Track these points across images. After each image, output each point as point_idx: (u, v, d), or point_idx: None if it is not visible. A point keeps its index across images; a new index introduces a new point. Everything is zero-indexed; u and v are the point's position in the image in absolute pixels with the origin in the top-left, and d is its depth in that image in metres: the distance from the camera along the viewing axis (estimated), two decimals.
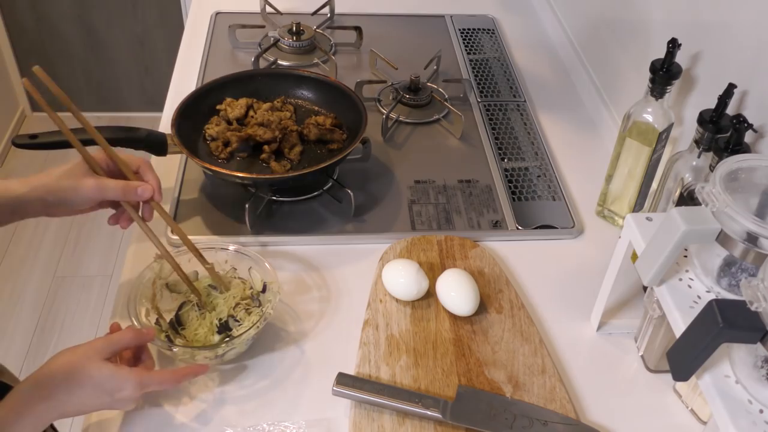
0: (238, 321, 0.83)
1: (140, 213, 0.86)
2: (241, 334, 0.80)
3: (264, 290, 0.86)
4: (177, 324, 0.83)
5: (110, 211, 0.88)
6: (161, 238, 0.99)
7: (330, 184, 1.07)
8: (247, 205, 0.99)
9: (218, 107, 1.14)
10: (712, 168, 0.81)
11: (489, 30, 1.55)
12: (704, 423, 0.80)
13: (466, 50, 1.47)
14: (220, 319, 0.83)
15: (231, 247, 0.89)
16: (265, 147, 1.07)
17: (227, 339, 0.81)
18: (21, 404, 0.68)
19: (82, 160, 0.83)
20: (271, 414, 0.79)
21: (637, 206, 1.03)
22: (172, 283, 0.87)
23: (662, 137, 0.95)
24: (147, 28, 2.72)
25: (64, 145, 0.94)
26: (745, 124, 0.78)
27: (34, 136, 0.94)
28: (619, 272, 0.84)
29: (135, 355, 0.79)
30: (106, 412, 0.78)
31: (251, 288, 0.87)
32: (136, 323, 0.80)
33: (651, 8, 1.13)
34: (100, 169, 0.83)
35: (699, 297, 0.73)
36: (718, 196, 0.67)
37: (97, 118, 2.88)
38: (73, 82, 2.83)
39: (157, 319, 0.84)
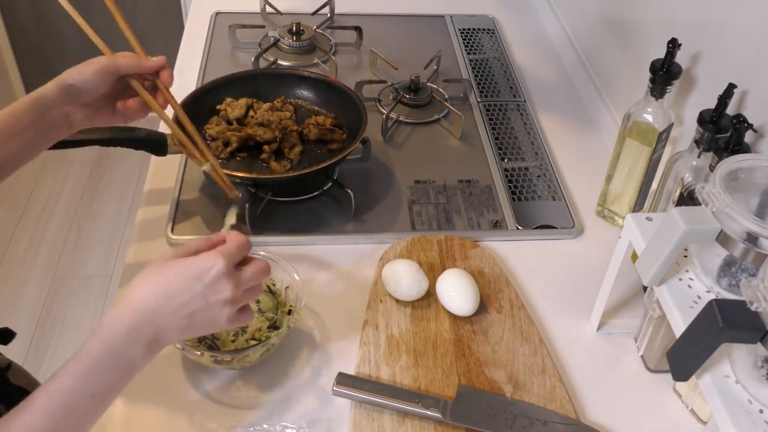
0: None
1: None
2: (263, 340, 0.81)
3: (290, 312, 0.86)
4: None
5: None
6: (161, 238, 0.99)
7: (330, 184, 1.07)
8: (247, 205, 0.99)
9: (218, 107, 1.14)
10: (712, 168, 0.81)
11: (489, 30, 1.55)
12: (704, 423, 0.80)
13: (466, 50, 1.47)
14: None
15: (260, 253, 0.89)
16: (265, 147, 1.07)
17: (253, 345, 0.81)
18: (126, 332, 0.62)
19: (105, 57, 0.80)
20: (271, 414, 0.79)
21: (637, 206, 1.03)
22: None
23: (662, 137, 0.95)
24: (147, 28, 2.72)
25: (64, 145, 0.94)
26: (745, 124, 0.78)
27: None
28: (619, 272, 0.84)
29: None
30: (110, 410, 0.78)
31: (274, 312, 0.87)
32: None
33: (651, 8, 1.13)
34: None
35: (699, 297, 0.73)
36: (718, 196, 0.67)
37: None
38: None
39: None
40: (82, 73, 0.79)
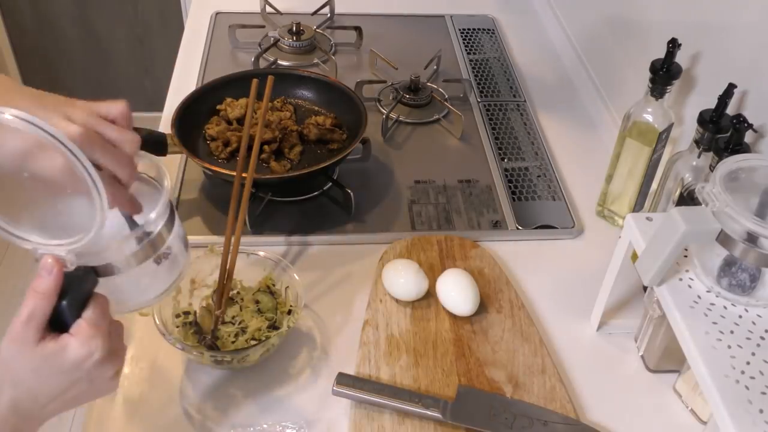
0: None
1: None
2: (263, 340, 0.81)
3: (289, 312, 0.86)
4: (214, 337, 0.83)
5: None
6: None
7: (330, 184, 1.07)
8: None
9: (218, 107, 1.14)
10: (712, 168, 0.81)
11: (489, 30, 1.55)
12: (704, 423, 0.80)
13: (466, 50, 1.47)
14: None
15: (260, 253, 0.89)
16: (265, 147, 1.07)
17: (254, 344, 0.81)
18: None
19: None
20: (271, 414, 0.79)
21: (637, 206, 1.03)
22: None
23: (662, 137, 0.95)
24: (147, 28, 2.72)
25: None
26: (745, 124, 0.78)
27: None
28: (619, 272, 0.84)
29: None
30: (110, 410, 0.78)
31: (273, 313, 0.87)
32: (158, 320, 0.79)
33: (651, 8, 1.13)
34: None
35: (699, 297, 0.73)
36: (718, 196, 0.67)
37: None
38: (73, 82, 2.83)
39: (189, 322, 0.83)
40: None
